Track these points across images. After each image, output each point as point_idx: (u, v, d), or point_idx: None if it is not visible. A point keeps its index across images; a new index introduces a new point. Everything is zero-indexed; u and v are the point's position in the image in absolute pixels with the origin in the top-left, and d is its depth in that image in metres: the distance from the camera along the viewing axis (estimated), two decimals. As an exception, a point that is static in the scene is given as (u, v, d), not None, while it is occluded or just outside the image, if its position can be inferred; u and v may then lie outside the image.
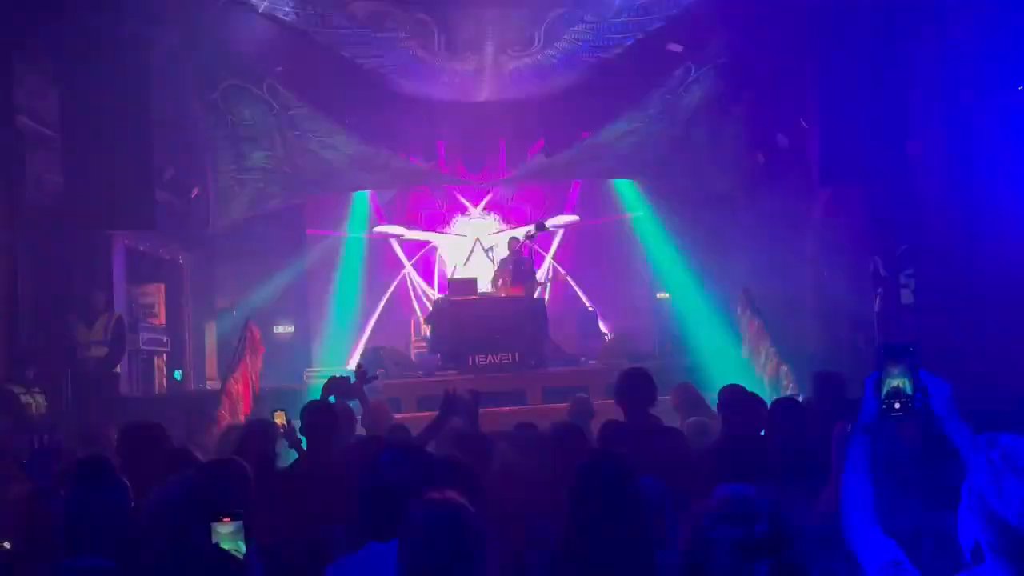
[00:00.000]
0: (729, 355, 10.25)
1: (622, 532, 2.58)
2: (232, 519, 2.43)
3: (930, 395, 2.06)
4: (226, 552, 2.38)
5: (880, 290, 9.64)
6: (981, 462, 1.61)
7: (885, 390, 2.11)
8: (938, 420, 2.07)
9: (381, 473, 2.83)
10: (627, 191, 15.19)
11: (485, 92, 12.09)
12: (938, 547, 2.30)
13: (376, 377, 7.05)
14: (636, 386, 4.60)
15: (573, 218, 13.07)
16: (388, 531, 2.74)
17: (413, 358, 12.47)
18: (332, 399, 5.76)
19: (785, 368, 8.92)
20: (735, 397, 4.58)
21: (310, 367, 12.98)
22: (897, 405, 2.10)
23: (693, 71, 11.35)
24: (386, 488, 2.78)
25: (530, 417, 7.68)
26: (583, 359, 11.73)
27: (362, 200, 15.25)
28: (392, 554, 2.71)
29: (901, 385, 2.11)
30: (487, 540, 2.24)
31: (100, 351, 8.93)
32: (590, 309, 14.27)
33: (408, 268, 15.54)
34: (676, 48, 11.55)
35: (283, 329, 14.27)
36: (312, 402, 4.84)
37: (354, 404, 6.13)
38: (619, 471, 2.75)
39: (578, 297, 14.99)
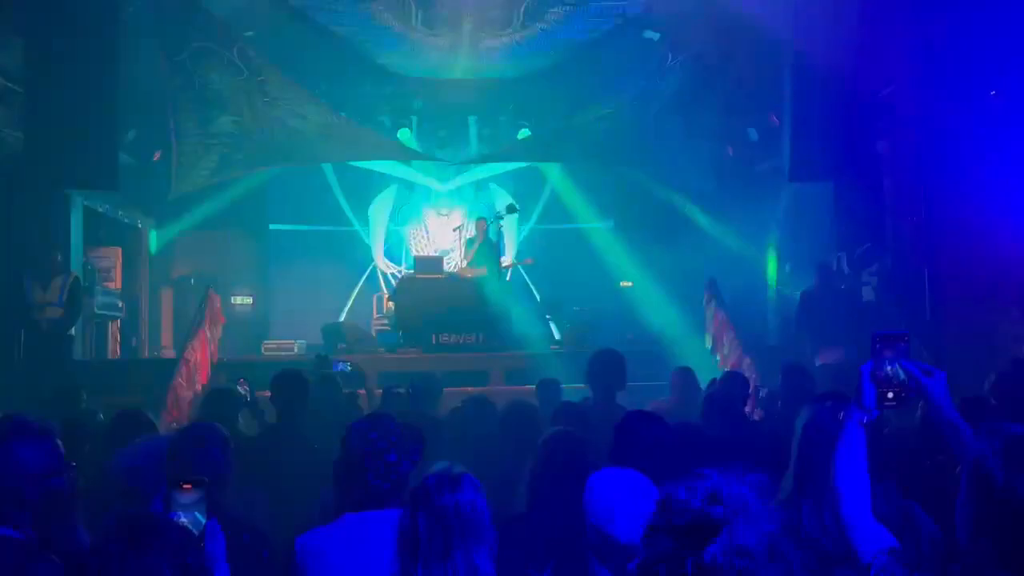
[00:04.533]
0: (691, 345, 10.32)
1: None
2: (194, 487, 2.31)
3: (925, 383, 2.06)
4: (181, 525, 2.26)
5: (843, 287, 9.75)
6: (985, 450, 1.62)
7: (879, 379, 2.10)
8: (934, 408, 2.08)
9: (352, 443, 2.79)
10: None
11: (459, 69, 11.98)
12: (921, 535, 2.32)
13: (328, 358, 6.93)
14: (606, 368, 4.60)
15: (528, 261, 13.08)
16: (362, 502, 2.70)
17: (374, 335, 12.37)
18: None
19: (748, 360, 8.99)
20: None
21: (268, 339, 12.80)
22: (890, 395, 2.10)
23: (670, 58, 11.36)
24: (357, 458, 2.74)
25: (492, 398, 7.68)
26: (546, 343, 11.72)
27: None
28: (366, 524, 2.68)
29: (894, 374, 2.11)
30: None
31: (54, 312, 8.66)
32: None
33: (377, 250, 15.43)
34: (653, 36, 11.56)
35: (241, 300, 14.06)
36: (284, 371, 4.76)
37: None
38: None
39: (542, 281, 14.97)
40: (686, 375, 6.14)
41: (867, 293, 9.66)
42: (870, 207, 10.01)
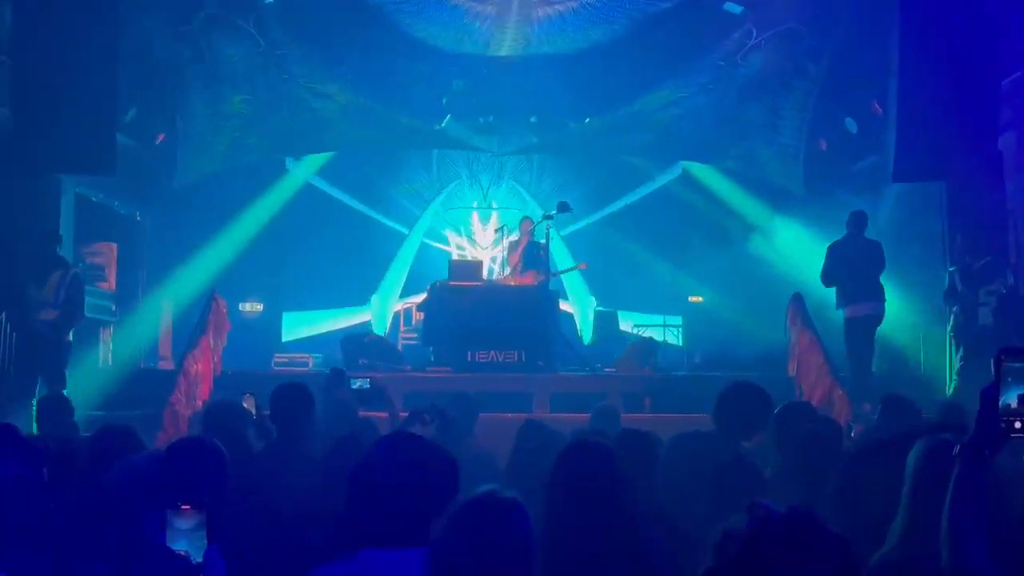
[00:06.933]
0: (772, 372, 10.17)
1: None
2: (193, 509, 2.31)
3: None
4: (179, 555, 2.28)
5: (955, 308, 9.55)
6: None
7: (1002, 406, 2.02)
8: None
9: (380, 468, 2.74)
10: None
11: (507, 44, 12.00)
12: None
13: (344, 373, 6.97)
14: (737, 408, 4.30)
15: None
16: (387, 536, 2.67)
17: (401, 350, 12.42)
18: None
19: (840, 392, 8.83)
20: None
21: (281, 352, 12.92)
22: (1018, 425, 2.02)
23: (754, 35, 11.28)
24: (387, 486, 2.70)
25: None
26: (599, 365, 11.66)
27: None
28: (391, 563, 2.64)
29: None
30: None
31: (49, 314, 8.63)
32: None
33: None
34: (734, 8, 11.47)
35: (251, 307, 14.24)
36: (285, 384, 4.80)
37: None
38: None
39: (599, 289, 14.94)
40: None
41: (984, 315, 9.43)
42: (990, 214, 9.80)
